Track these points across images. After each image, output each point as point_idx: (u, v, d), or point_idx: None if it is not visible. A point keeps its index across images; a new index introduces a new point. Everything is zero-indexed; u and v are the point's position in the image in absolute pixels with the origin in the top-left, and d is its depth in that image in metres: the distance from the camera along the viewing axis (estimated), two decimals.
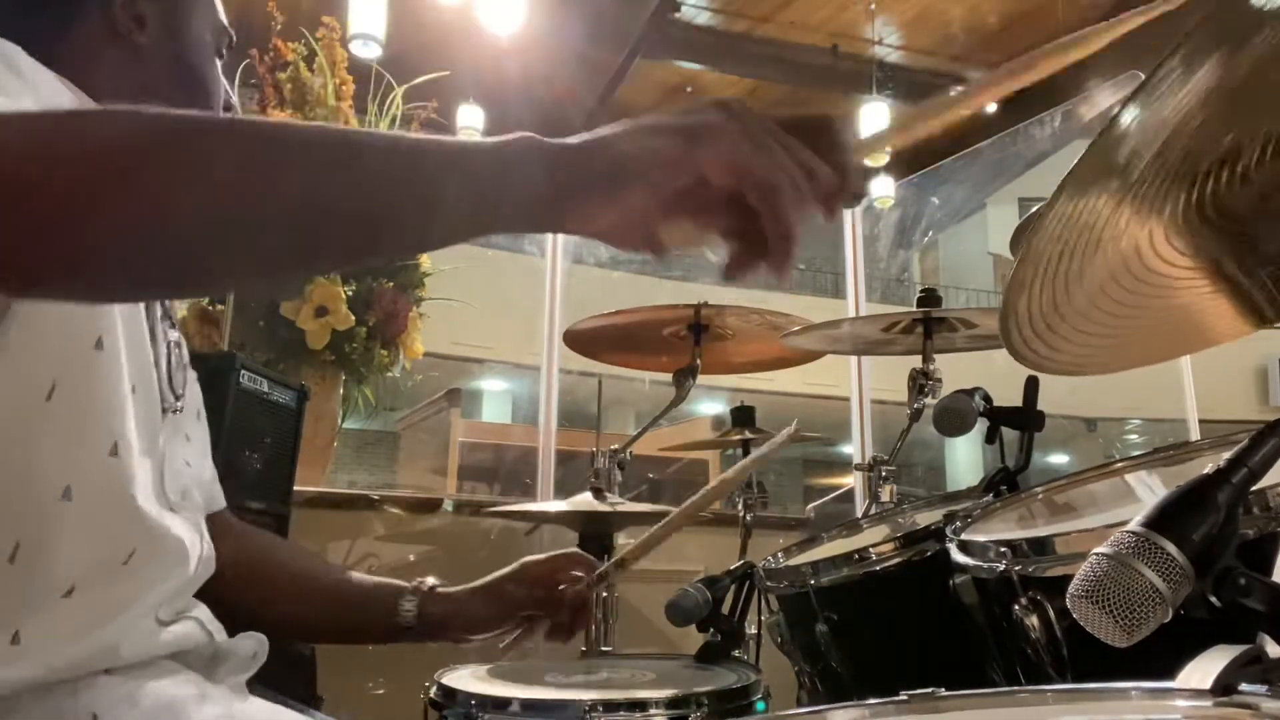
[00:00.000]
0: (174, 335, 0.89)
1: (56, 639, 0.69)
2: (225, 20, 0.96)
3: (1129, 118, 0.57)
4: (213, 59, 0.94)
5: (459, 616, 1.08)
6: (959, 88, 0.62)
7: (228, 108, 0.97)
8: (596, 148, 0.54)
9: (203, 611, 0.86)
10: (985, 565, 0.89)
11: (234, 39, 0.96)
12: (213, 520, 1.01)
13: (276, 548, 1.12)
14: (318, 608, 1.08)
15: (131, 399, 0.76)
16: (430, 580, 1.09)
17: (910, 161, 6.21)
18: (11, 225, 0.45)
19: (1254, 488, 0.55)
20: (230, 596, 1.00)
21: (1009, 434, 1.38)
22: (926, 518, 1.34)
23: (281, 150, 0.51)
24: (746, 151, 0.53)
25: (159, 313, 0.86)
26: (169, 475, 0.83)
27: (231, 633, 0.90)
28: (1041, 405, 1.36)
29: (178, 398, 0.88)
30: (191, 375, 0.95)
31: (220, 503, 1.03)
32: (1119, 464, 1.14)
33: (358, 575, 1.10)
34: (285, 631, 1.13)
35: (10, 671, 0.67)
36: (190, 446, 0.91)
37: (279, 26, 2.64)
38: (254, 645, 0.91)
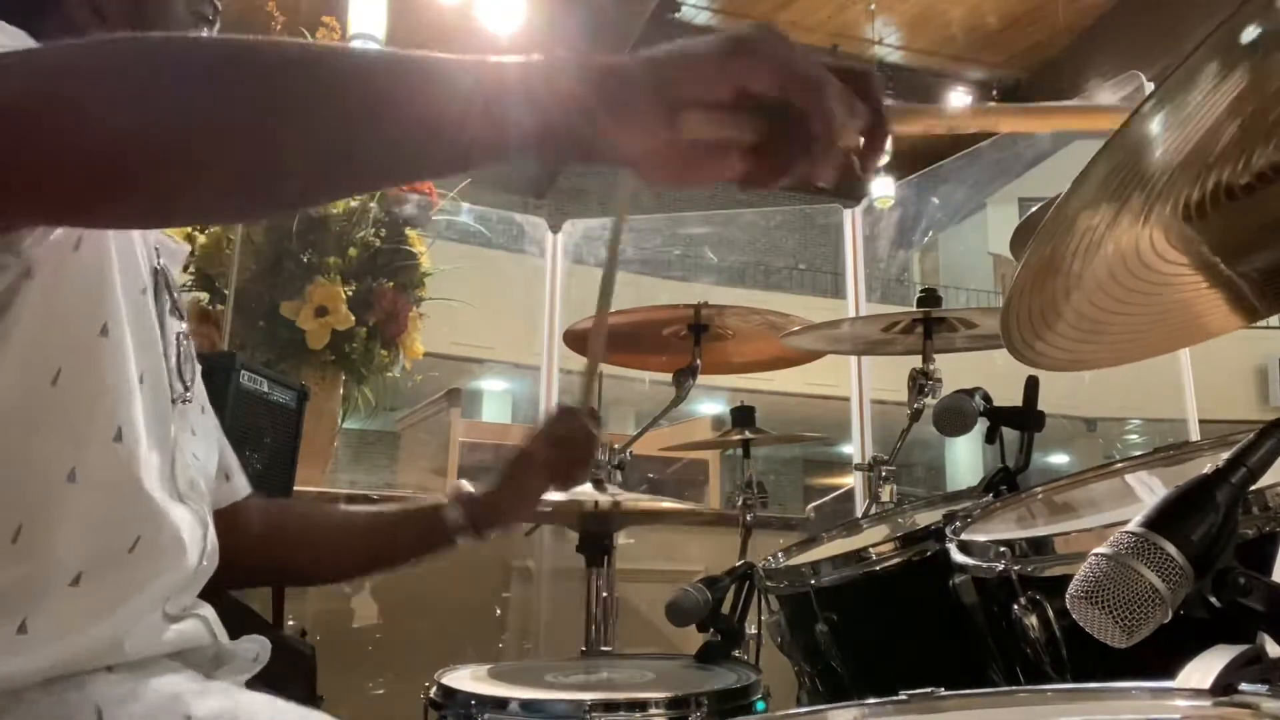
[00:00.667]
0: (181, 327, 0.89)
1: (63, 629, 0.69)
2: None
3: (1145, 124, 0.56)
4: (197, 31, 0.89)
5: (499, 514, 1.09)
6: (960, 107, 0.61)
7: None
8: (634, 63, 0.53)
9: (208, 611, 0.87)
10: (985, 565, 0.89)
11: (219, 6, 0.90)
12: (244, 503, 1.03)
13: (305, 508, 1.15)
14: (361, 547, 1.11)
15: (140, 387, 0.76)
16: (461, 486, 1.10)
17: (910, 161, 6.21)
18: (12, 160, 0.47)
19: (1253, 487, 0.55)
20: (282, 562, 1.08)
21: (1009, 434, 1.38)
22: (926, 518, 1.34)
23: (299, 105, 0.52)
24: (789, 57, 0.53)
25: (168, 305, 0.86)
26: (179, 465, 0.84)
27: (236, 632, 0.90)
28: (1041, 405, 1.36)
29: (187, 388, 0.88)
30: (197, 368, 0.95)
31: (244, 490, 1.06)
32: (1119, 464, 1.14)
33: (383, 506, 1.13)
34: (338, 577, 1.27)
35: (16, 662, 0.67)
36: (196, 439, 0.91)
37: (279, 27, 2.64)
38: (256, 648, 0.91)
